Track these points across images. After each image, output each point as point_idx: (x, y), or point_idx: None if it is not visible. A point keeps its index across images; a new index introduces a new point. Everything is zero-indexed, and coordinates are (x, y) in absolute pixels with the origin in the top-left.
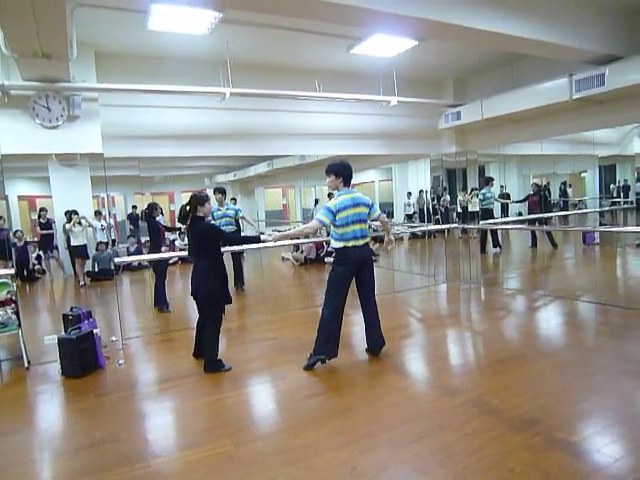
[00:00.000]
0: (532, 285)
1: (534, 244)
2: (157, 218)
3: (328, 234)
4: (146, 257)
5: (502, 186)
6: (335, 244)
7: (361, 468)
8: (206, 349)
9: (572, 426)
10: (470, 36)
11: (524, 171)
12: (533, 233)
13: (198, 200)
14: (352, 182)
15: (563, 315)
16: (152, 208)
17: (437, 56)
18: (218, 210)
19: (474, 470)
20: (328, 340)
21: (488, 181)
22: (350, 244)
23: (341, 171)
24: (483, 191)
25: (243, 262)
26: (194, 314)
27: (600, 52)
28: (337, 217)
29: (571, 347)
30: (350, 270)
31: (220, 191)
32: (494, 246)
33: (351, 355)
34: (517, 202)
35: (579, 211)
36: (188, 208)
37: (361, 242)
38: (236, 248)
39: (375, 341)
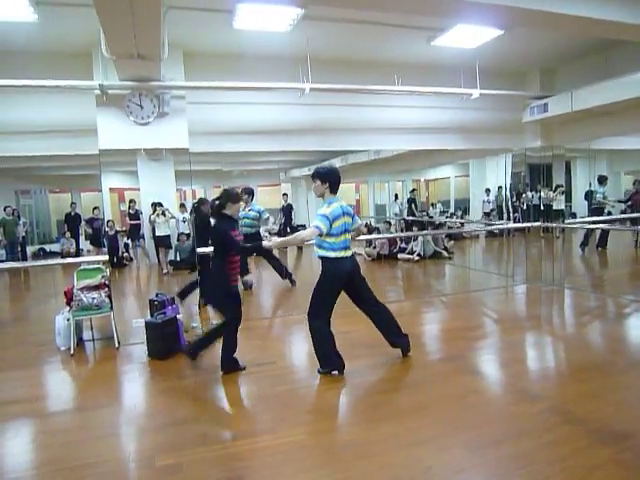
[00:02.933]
0: (621, 289)
1: None
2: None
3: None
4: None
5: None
6: (326, 253)
7: (436, 468)
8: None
9: None
10: (560, 23)
11: (616, 167)
12: None
13: (230, 197)
14: (426, 178)
15: None
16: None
17: (523, 45)
18: (242, 210)
19: None
20: (328, 356)
21: (602, 180)
22: (341, 254)
23: (328, 177)
24: (602, 190)
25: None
26: (272, 304)
27: None
28: (332, 226)
29: None
30: (341, 282)
31: (246, 192)
32: (601, 246)
33: (424, 354)
34: (623, 202)
35: None
36: (218, 202)
37: (350, 253)
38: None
39: (402, 338)
